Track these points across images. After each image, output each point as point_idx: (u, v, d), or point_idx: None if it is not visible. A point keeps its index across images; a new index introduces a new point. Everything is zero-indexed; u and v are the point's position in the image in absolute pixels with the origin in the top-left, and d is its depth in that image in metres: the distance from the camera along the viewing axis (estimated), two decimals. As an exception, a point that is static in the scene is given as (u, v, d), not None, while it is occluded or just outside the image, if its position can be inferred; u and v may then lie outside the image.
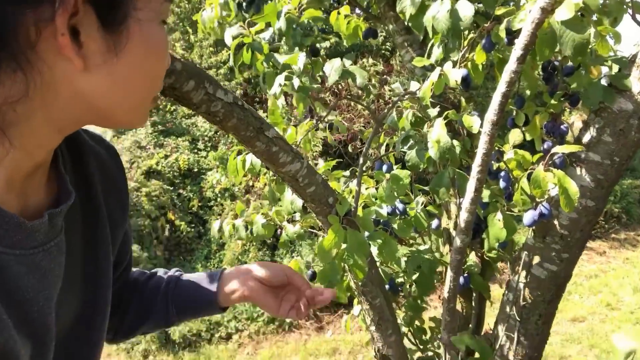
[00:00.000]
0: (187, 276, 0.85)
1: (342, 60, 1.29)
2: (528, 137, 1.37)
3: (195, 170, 6.01)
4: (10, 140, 0.48)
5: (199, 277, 0.84)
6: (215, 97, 0.97)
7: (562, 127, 1.23)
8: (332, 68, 1.25)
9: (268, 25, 1.50)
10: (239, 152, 1.51)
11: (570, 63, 1.23)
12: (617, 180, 1.22)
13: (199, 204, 5.78)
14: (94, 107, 0.51)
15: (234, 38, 1.43)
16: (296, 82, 1.20)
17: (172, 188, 5.77)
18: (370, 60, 6.26)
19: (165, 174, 5.80)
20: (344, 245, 1.19)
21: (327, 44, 5.52)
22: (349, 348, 4.34)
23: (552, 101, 1.26)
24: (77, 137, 0.64)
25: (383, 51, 6.69)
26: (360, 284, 1.34)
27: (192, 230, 5.61)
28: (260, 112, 1.49)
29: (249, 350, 4.60)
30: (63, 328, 0.58)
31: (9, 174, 0.50)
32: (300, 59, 1.30)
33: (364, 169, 1.35)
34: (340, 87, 1.70)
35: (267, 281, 0.80)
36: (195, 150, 6.26)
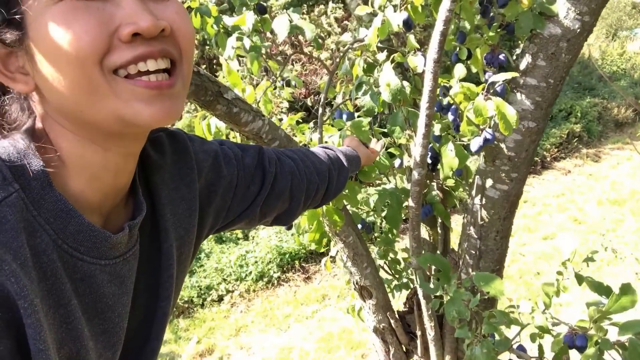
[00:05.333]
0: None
1: (288, 14, 1.34)
2: (474, 70, 1.45)
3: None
4: (67, 164, 0.52)
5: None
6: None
7: (500, 57, 1.31)
8: (280, 25, 1.30)
9: (213, -12, 1.52)
10: (204, 117, 1.56)
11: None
12: (554, 100, 1.33)
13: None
14: (70, 115, 0.51)
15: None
16: (247, 42, 1.24)
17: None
18: (331, 5, 6.16)
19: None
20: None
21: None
22: (337, 292, 4.55)
23: (490, 33, 1.34)
24: (143, 150, 0.63)
25: (342, -4, 6.60)
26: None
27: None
28: (222, 74, 1.54)
29: (241, 308, 4.76)
30: (127, 336, 0.59)
31: (84, 198, 0.53)
32: (248, 19, 1.34)
33: (323, 119, 1.43)
34: (297, 40, 1.73)
35: None
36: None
